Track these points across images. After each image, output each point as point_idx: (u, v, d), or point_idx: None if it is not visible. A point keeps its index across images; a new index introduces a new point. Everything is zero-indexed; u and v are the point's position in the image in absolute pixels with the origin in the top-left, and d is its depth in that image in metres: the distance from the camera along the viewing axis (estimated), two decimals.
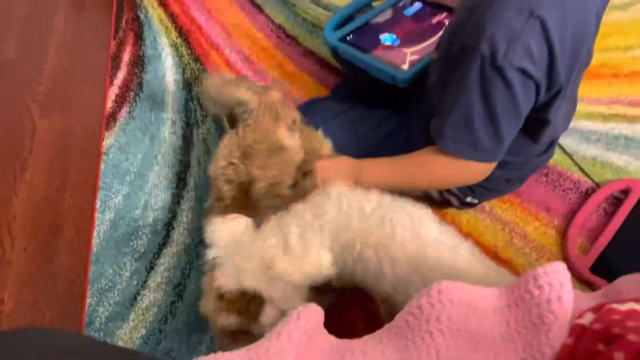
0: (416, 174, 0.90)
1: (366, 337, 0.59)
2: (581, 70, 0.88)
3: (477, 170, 0.86)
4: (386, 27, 1.19)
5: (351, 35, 1.18)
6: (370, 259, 0.75)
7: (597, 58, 1.33)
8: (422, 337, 0.53)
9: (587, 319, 0.54)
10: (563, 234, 1.08)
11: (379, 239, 0.75)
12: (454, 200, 1.09)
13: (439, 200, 1.11)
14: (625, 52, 1.35)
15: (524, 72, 0.71)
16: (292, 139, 0.92)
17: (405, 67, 1.09)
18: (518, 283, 0.60)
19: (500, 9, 0.70)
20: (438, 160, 0.85)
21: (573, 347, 0.49)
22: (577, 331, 0.52)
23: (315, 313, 0.58)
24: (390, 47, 1.15)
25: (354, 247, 0.76)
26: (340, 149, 0.99)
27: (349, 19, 1.24)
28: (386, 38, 1.17)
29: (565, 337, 0.52)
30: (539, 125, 0.85)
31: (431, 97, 0.94)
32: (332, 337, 0.60)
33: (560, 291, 0.56)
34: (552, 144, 1.02)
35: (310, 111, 1.14)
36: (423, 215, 0.78)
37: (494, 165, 0.86)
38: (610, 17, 1.42)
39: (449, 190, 1.05)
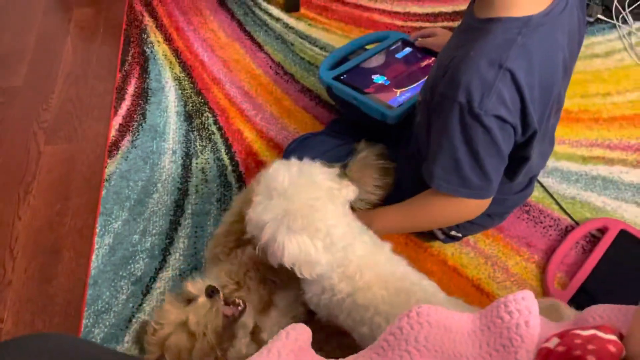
0: (419, 216, 1.01)
1: (350, 357, 0.63)
2: (555, 113, 0.94)
3: (473, 207, 0.93)
4: (378, 68, 1.27)
5: (345, 75, 1.25)
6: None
7: (578, 103, 1.42)
8: (401, 355, 0.57)
9: (552, 343, 0.59)
10: (543, 268, 1.13)
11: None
12: (439, 233, 1.14)
13: (426, 233, 1.16)
14: (604, 98, 1.43)
15: (499, 118, 0.78)
16: None
17: (395, 106, 1.16)
18: (490, 308, 0.64)
19: (473, 63, 0.76)
20: (437, 201, 0.93)
21: None
22: (543, 354, 0.57)
23: (303, 332, 0.62)
24: (381, 87, 1.22)
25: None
26: None
27: (343, 60, 1.32)
28: (378, 78, 1.24)
29: (532, 359, 0.56)
30: (516, 163, 0.92)
31: (418, 135, 1.01)
32: (318, 357, 0.64)
33: (527, 317, 0.61)
34: (531, 181, 1.08)
35: (304, 145, 1.20)
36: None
37: (488, 201, 0.93)
38: (591, 65, 1.50)
39: None
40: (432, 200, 0.94)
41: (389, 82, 1.23)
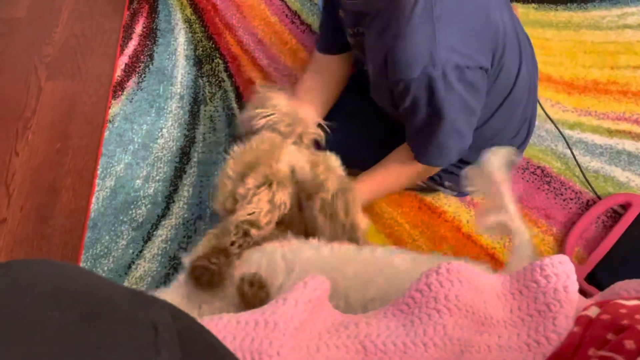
0: (402, 177, 0.99)
1: (370, 313, 0.59)
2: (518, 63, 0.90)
3: (453, 154, 0.90)
4: None
5: None
6: None
7: (607, 74, 1.35)
8: (429, 314, 0.53)
9: (593, 311, 0.54)
10: (561, 241, 1.09)
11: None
12: (452, 194, 1.11)
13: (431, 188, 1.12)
14: (635, 71, 1.36)
15: (458, 68, 0.73)
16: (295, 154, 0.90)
17: None
18: (523, 272, 0.60)
19: (404, 37, 0.73)
20: (409, 170, 0.94)
21: (581, 335, 0.50)
22: (584, 321, 0.52)
23: (321, 283, 0.58)
24: None
25: None
26: (352, 152, 1.02)
27: None
28: None
29: (572, 325, 0.52)
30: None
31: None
32: (336, 311, 0.60)
33: (566, 281, 0.56)
34: (528, 132, 1.05)
35: None
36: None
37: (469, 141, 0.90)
38: (622, 36, 1.43)
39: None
40: (413, 163, 0.92)
41: None
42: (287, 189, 0.82)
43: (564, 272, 0.57)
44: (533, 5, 1.48)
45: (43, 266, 0.36)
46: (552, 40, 1.40)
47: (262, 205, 0.78)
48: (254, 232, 0.76)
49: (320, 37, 1.02)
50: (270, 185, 0.80)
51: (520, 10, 1.45)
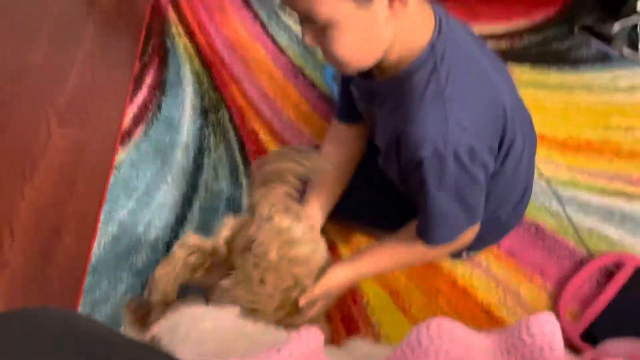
0: (410, 260, 0.99)
1: None
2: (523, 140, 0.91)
3: (466, 238, 0.91)
4: None
5: None
6: None
7: (600, 134, 1.39)
8: None
9: None
10: (555, 298, 1.10)
11: None
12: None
13: None
14: (626, 132, 1.40)
15: (469, 149, 0.74)
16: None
17: None
18: (511, 330, 0.61)
19: (417, 117, 0.74)
20: (416, 252, 0.92)
21: None
22: None
23: (316, 336, 0.59)
24: None
25: None
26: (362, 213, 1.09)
27: None
28: None
29: None
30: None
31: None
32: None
33: (552, 340, 0.58)
34: (524, 194, 1.05)
35: None
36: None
37: (478, 225, 0.90)
38: (614, 98, 1.48)
39: None
40: (413, 249, 0.92)
41: None
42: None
43: (550, 330, 0.58)
44: (527, 66, 1.54)
45: (51, 315, 0.38)
46: (545, 100, 1.46)
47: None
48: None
49: (339, 106, 1.03)
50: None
51: (515, 71, 1.51)
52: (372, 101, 0.85)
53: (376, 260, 0.94)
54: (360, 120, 0.98)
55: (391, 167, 0.84)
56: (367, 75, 0.83)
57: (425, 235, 0.86)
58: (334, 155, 1.02)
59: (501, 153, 0.84)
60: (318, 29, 0.70)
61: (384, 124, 0.82)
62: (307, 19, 0.69)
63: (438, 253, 0.95)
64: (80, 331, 0.37)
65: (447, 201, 0.80)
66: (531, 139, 1.00)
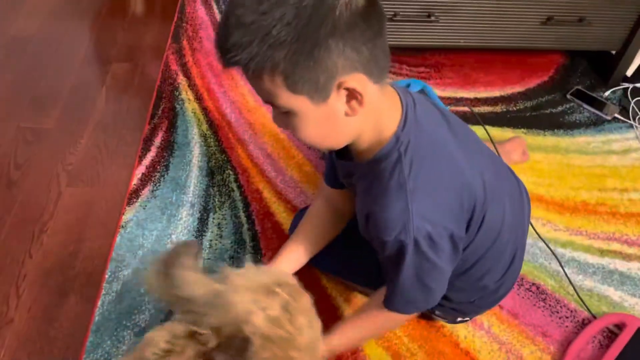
0: (378, 329, 1.05)
1: None
2: (503, 209, 0.94)
3: (420, 306, 0.94)
4: None
5: None
6: None
7: (596, 196, 1.43)
8: None
9: None
10: None
11: None
12: (444, 321, 1.14)
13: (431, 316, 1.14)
14: (622, 194, 1.44)
15: (428, 237, 0.77)
16: None
17: None
18: None
19: (382, 207, 0.78)
20: (384, 317, 0.95)
21: None
22: None
23: None
24: None
25: None
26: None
27: None
28: None
29: None
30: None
31: None
32: None
33: None
34: (514, 257, 1.04)
35: None
36: None
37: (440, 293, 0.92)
38: (608, 161, 1.53)
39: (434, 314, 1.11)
40: (387, 317, 0.94)
41: None
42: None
43: None
44: (522, 130, 1.60)
45: None
46: (541, 162, 1.50)
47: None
48: None
49: (325, 170, 1.08)
50: None
51: (510, 134, 1.57)
52: (351, 177, 0.90)
53: (344, 334, 0.97)
54: (339, 188, 1.04)
55: (366, 236, 0.87)
56: (346, 153, 0.88)
57: (387, 301, 0.90)
58: (321, 211, 1.08)
59: (472, 227, 0.86)
60: (283, 114, 0.73)
61: (360, 199, 0.87)
62: (272, 105, 0.73)
63: (397, 320, 1.02)
64: None
65: (408, 280, 0.83)
66: (520, 204, 1.02)
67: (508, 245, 0.98)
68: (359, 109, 0.72)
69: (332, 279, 1.22)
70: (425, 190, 0.77)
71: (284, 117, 0.73)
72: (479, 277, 0.98)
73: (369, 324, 0.99)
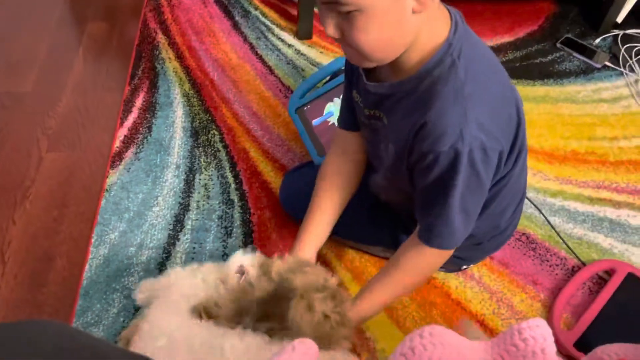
0: (412, 277, 0.93)
1: None
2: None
3: (461, 235, 0.89)
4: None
5: (308, 106, 1.27)
6: None
7: (585, 145, 1.42)
8: None
9: None
10: (549, 307, 1.11)
11: None
12: (444, 271, 1.13)
13: None
14: (611, 142, 1.43)
15: (483, 149, 0.74)
16: None
17: None
18: (503, 336, 0.62)
19: (439, 111, 0.74)
20: (423, 260, 0.89)
21: None
22: None
23: (309, 348, 0.59)
24: (333, 125, 1.26)
25: None
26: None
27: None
28: (330, 113, 1.27)
29: None
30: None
31: (381, 195, 1.02)
32: None
33: (543, 344, 0.58)
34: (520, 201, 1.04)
35: (294, 177, 1.24)
36: None
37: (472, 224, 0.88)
38: (598, 109, 1.51)
39: None
40: (419, 262, 0.89)
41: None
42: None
43: (541, 334, 0.59)
44: (512, 80, 1.57)
45: (45, 328, 0.38)
46: (531, 112, 1.48)
47: None
48: None
49: (340, 113, 1.02)
50: None
51: None
52: (379, 106, 0.84)
53: (374, 299, 0.91)
54: (358, 129, 0.98)
55: (399, 172, 0.83)
56: (374, 79, 0.83)
57: (428, 237, 0.84)
58: (339, 167, 1.01)
59: (512, 156, 0.84)
60: (343, 16, 0.69)
61: (395, 128, 0.82)
62: (334, 5, 0.68)
63: (434, 264, 0.92)
64: (75, 345, 0.37)
65: (456, 201, 0.78)
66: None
67: (523, 183, 0.96)
68: (428, 4, 0.69)
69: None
70: (481, 97, 0.74)
71: (346, 21, 0.69)
72: (499, 213, 0.96)
73: (401, 277, 0.91)
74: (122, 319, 1.08)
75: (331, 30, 0.72)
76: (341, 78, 1.26)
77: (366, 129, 0.92)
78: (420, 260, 0.89)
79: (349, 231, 1.12)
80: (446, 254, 0.89)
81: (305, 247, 0.96)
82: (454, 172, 0.75)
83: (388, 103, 0.82)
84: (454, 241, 0.85)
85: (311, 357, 0.60)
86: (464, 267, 1.13)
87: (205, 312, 0.80)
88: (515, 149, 0.84)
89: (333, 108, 1.28)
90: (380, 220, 1.09)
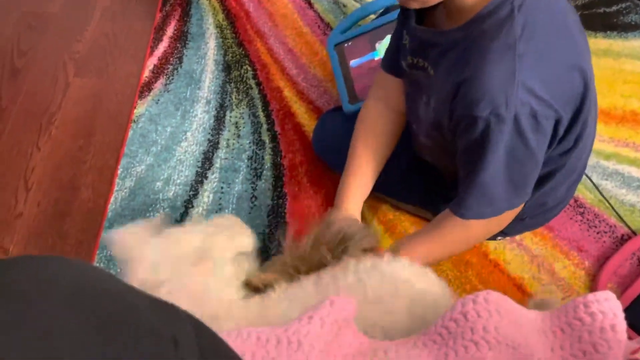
0: (455, 243, 0.87)
1: (398, 341, 0.55)
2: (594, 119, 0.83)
3: (510, 215, 0.82)
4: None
5: (349, 43, 1.17)
6: None
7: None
8: (466, 346, 0.49)
9: None
10: (593, 276, 1.04)
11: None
12: None
13: None
14: None
15: (532, 115, 0.66)
16: None
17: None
18: (565, 309, 0.56)
19: (483, 69, 0.65)
20: (474, 225, 0.80)
21: None
22: None
23: (348, 304, 0.54)
24: (374, 69, 1.13)
25: None
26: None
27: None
28: (378, 52, 1.15)
29: None
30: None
31: (427, 156, 0.92)
32: (361, 334, 0.56)
33: (614, 320, 0.52)
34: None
35: (329, 121, 1.15)
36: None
37: (522, 204, 0.81)
38: None
39: None
40: (471, 225, 0.80)
41: None
42: None
43: (610, 309, 0.53)
44: None
45: (65, 265, 0.33)
46: None
47: None
48: None
49: (387, 55, 0.91)
50: None
51: None
52: (426, 56, 0.75)
53: (412, 253, 0.83)
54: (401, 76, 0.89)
55: (441, 135, 0.75)
56: (429, 24, 0.74)
57: (459, 206, 0.76)
58: (380, 114, 0.92)
59: (573, 131, 0.74)
60: None
61: (439, 83, 0.73)
62: None
63: (472, 235, 0.85)
64: (96, 288, 0.32)
65: (493, 171, 0.70)
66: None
67: (582, 159, 0.86)
68: None
69: None
70: (537, 58, 0.65)
71: None
72: (548, 192, 0.87)
73: (441, 244, 0.85)
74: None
75: None
76: (391, 16, 1.16)
77: (407, 80, 0.83)
78: (464, 230, 0.82)
79: (381, 185, 1.05)
80: (492, 226, 0.81)
81: (349, 202, 0.88)
82: (495, 140, 0.67)
83: (433, 53, 0.73)
84: (489, 212, 0.77)
85: (349, 312, 0.55)
86: (499, 238, 1.05)
87: (263, 284, 0.73)
88: (578, 123, 0.74)
89: (381, 48, 1.18)
90: (416, 180, 1.02)
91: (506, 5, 0.64)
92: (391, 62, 0.89)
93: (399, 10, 0.88)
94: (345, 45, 1.18)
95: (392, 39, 0.90)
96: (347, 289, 0.59)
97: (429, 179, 0.99)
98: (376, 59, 1.18)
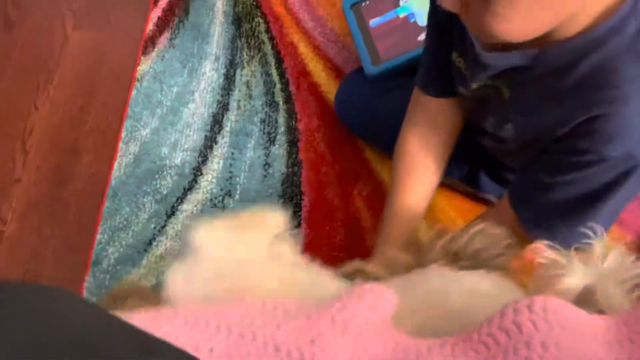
0: None
1: (430, 343, 0.48)
2: None
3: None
4: None
5: (367, 2, 1.06)
6: None
7: None
8: None
9: None
10: (636, 252, 0.96)
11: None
12: None
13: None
14: None
15: None
16: None
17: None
18: (634, 313, 0.48)
19: (617, 103, 0.54)
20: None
21: None
22: None
23: (391, 294, 0.47)
24: (399, 25, 1.04)
25: None
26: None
27: None
28: (404, 8, 1.04)
29: None
30: None
31: (497, 148, 0.79)
32: (398, 334, 0.49)
33: None
34: None
35: (355, 81, 1.05)
36: None
37: None
38: None
39: None
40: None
41: (414, 17, 1.03)
42: None
43: None
44: None
45: (27, 298, 0.26)
46: None
47: None
48: None
49: (427, 74, 0.77)
50: None
51: None
52: (499, 78, 0.63)
53: None
54: (453, 95, 0.76)
55: (526, 154, 0.66)
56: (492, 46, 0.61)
57: (538, 228, 0.65)
58: (426, 141, 0.79)
59: None
60: None
61: (521, 108, 0.63)
62: None
63: None
64: (64, 328, 0.24)
65: (601, 210, 0.60)
66: None
67: None
68: None
69: (375, 149, 1.07)
70: None
71: None
72: None
73: None
74: (152, 226, 0.98)
75: (448, 1, 0.50)
76: None
77: (468, 98, 0.72)
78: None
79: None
80: None
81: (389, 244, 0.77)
82: (618, 182, 0.57)
83: (518, 76, 0.61)
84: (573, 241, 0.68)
85: (391, 307, 0.48)
86: None
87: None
88: None
89: (411, 2, 1.06)
90: (462, 154, 0.92)
91: (630, 21, 0.52)
92: (435, 86, 0.76)
93: None
94: (363, 4, 1.07)
95: (429, 57, 0.77)
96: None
97: (476, 156, 0.90)
98: (401, 16, 1.07)
